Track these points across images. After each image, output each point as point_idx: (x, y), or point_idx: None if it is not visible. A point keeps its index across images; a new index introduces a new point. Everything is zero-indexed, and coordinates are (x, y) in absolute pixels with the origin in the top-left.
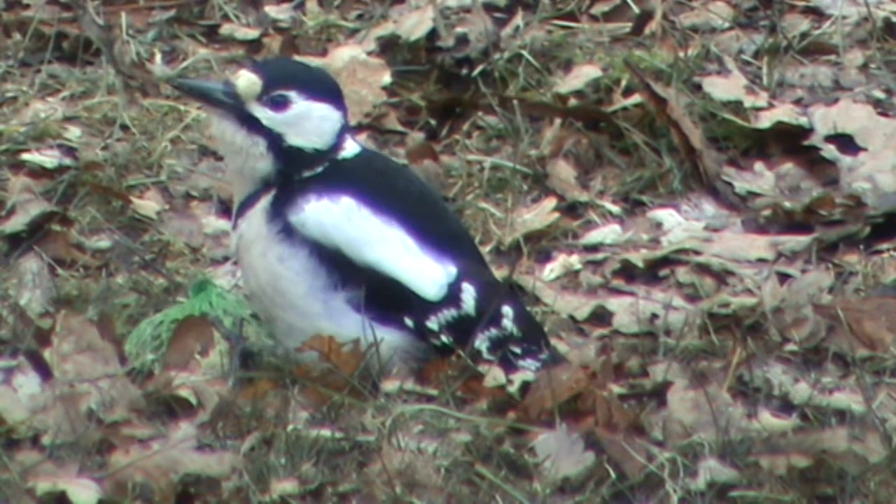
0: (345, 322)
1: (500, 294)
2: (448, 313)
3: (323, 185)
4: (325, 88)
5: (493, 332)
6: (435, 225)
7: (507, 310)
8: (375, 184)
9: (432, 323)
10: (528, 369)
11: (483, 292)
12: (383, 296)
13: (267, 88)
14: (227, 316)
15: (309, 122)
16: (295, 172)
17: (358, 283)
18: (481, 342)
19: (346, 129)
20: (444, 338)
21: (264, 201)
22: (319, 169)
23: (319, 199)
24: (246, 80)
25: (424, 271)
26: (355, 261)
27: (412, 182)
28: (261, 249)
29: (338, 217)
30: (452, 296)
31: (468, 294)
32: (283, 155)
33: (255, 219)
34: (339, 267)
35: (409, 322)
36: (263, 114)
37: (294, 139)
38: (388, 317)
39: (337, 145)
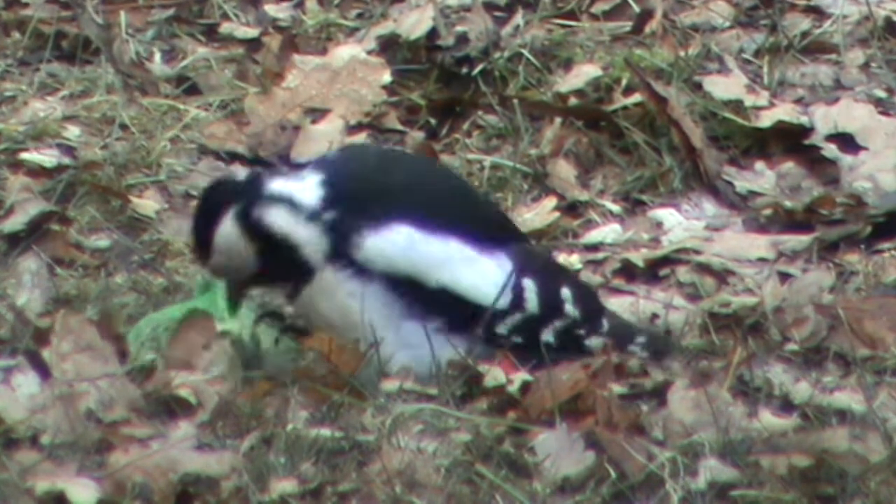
0: (416, 343)
1: (556, 277)
2: (514, 317)
3: (368, 218)
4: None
5: (558, 324)
6: (478, 218)
7: (565, 293)
8: (415, 198)
9: (501, 329)
10: (593, 349)
11: (542, 282)
12: (453, 311)
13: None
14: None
15: (238, 259)
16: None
17: (430, 305)
18: (547, 336)
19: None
20: (514, 339)
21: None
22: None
23: (377, 232)
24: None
25: (487, 279)
26: (427, 285)
27: (435, 174)
28: (327, 296)
29: (402, 247)
30: (516, 298)
31: (530, 292)
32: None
33: (318, 287)
34: (411, 293)
35: (479, 332)
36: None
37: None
38: (458, 330)
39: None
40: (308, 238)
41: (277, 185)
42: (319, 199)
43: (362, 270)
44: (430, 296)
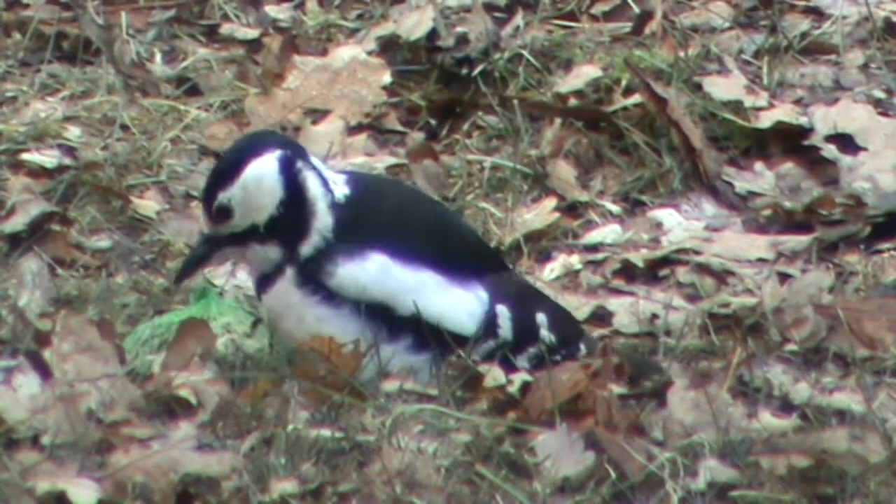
0: (393, 366)
1: (531, 303)
2: (487, 345)
3: (346, 242)
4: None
5: (532, 350)
6: (456, 250)
7: (540, 318)
8: (395, 228)
9: (477, 354)
10: None
11: (516, 309)
12: (425, 337)
13: (208, 207)
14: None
15: (256, 200)
16: (298, 244)
17: (407, 331)
18: (522, 362)
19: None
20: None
21: (289, 276)
22: (326, 236)
23: (350, 259)
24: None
25: (462, 308)
26: (400, 312)
27: (422, 206)
28: (296, 316)
29: (375, 275)
30: (489, 324)
31: (503, 318)
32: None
33: (283, 290)
34: (383, 320)
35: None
36: (216, 230)
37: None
38: (433, 352)
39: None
40: (323, 219)
41: (317, 161)
42: (334, 204)
43: (332, 296)
44: (402, 322)
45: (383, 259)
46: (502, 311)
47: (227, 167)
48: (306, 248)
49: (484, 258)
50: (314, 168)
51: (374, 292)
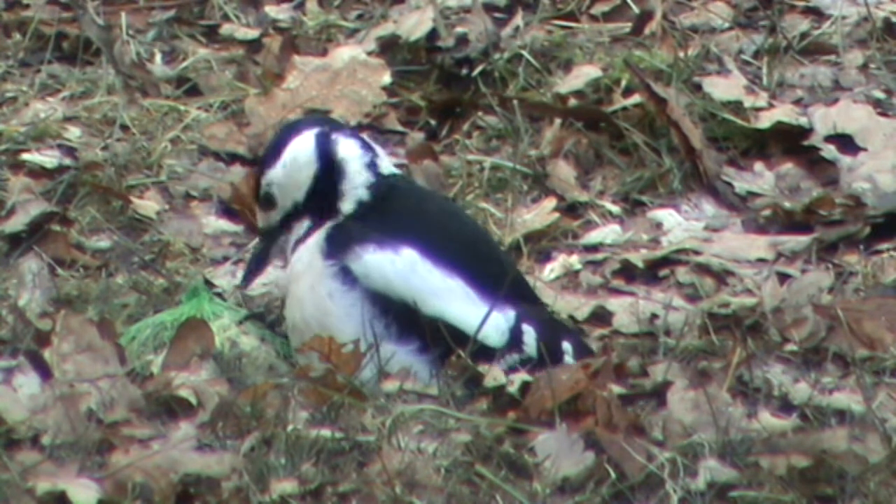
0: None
1: (558, 330)
2: (511, 358)
3: (380, 232)
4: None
5: None
6: (490, 268)
7: (566, 346)
8: (432, 231)
9: (501, 367)
10: None
11: (543, 332)
12: (446, 345)
13: (257, 198)
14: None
15: (295, 176)
16: (335, 205)
17: (418, 333)
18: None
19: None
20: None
21: (318, 236)
22: (361, 197)
23: (381, 249)
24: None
25: (489, 321)
26: (422, 312)
27: (463, 223)
28: (310, 282)
29: (402, 270)
30: (514, 339)
31: (529, 336)
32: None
33: (308, 252)
34: (401, 317)
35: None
36: (267, 220)
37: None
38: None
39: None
40: (357, 180)
41: (367, 139)
42: (370, 184)
43: (348, 274)
44: (415, 323)
45: (413, 256)
46: (528, 330)
47: (270, 152)
48: (345, 207)
49: (519, 286)
50: (356, 137)
51: (398, 288)
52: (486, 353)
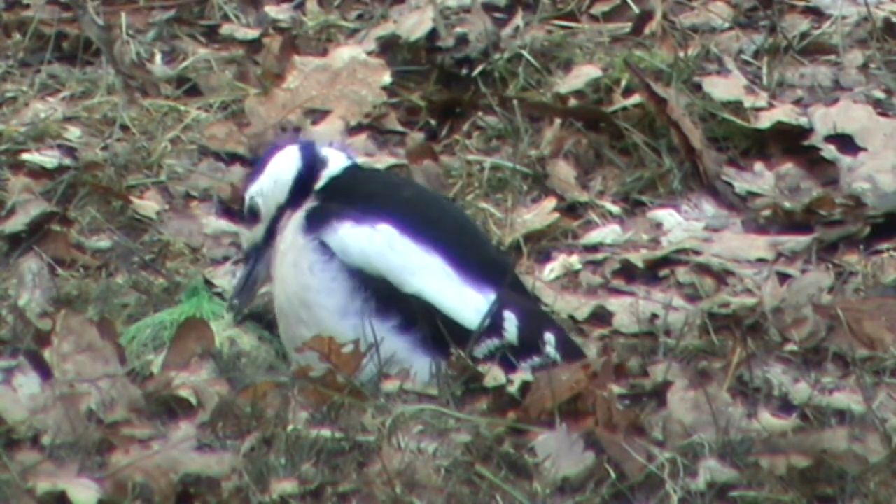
0: (382, 348)
1: (542, 321)
2: (491, 343)
3: (359, 209)
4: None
5: (536, 359)
6: (472, 251)
7: (549, 337)
8: (412, 209)
9: (478, 352)
10: None
11: (524, 319)
12: (425, 324)
13: (242, 216)
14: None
15: (280, 180)
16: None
17: (397, 310)
18: (525, 369)
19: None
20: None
21: (298, 215)
22: (333, 174)
23: (358, 224)
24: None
25: (466, 300)
26: (400, 289)
27: (445, 207)
28: (293, 258)
29: (380, 245)
30: (494, 325)
31: (510, 322)
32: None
33: (291, 232)
34: (380, 293)
35: (454, 352)
36: (252, 237)
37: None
38: (432, 345)
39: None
40: (334, 165)
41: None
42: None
43: (326, 247)
44: (399, 301)
45: (391, 231)
46: (510, 317)
47: (254, 170)
48: (317, 185)
49: (503, 271)
50: (337, 150)
51: (376, 263)
52: (461, 333)
